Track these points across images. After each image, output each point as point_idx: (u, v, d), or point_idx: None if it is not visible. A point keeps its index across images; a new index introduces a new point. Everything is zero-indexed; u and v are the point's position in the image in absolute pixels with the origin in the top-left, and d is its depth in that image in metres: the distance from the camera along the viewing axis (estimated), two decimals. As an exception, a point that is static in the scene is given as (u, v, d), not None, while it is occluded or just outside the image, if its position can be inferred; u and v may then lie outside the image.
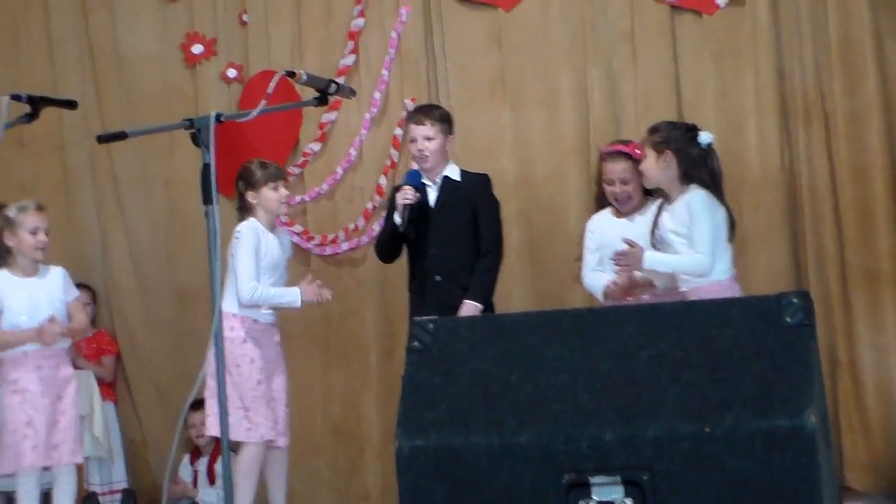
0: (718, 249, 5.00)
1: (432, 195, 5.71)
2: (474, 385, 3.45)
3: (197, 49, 6.89)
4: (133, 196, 7.07)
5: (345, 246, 6.63)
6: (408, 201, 5.55)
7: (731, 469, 3.19)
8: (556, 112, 6.34)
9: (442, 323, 3.61)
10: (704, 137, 5.09)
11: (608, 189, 5.51)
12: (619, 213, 5.53)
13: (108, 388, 6.84)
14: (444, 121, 5.73)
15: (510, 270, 6.22)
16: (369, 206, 6.58)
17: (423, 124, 5.67)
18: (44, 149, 7.10)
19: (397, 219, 5.61)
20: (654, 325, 3.44)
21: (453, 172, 5.74)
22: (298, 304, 5.71)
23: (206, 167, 3.95)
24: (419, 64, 6.51)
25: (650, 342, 3.39)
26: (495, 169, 6.12)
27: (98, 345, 6.94)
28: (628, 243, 5.10)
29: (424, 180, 5.70)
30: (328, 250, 6.68)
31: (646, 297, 5.27)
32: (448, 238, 5.67)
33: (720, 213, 5.04)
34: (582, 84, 6.30)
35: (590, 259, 5.57)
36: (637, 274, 5.27)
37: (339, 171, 6.66)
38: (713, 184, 5.09)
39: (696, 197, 5.00)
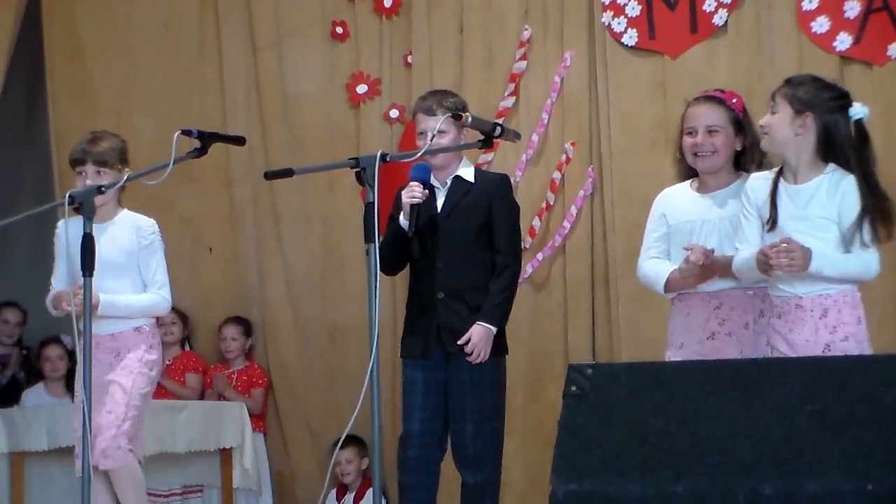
0: None
1: (441, 199, 5.04)
2: (631, 433, 3.41)
3: (361, 89, 7.00)
4: (292, 232, 7.20)
5: (496, 287, 6.63)
6: (416, 200, 4.84)
7: (894, 529, 3.11)
8: (717, 161, 6.27)
9: (600, 369, 3.58)
10: (858, 110, 4.20)
11: (687, 142, 4.53)
12: (702, 186, 4.59)
13: (258, 419, 6.94)
14: (459, 111, 4.88)
15: (663, 319, 6.14)
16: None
17: (433, 115, 4.97)
18: (211, 184, 7.29)
19: (403, 221, 4.95)
20: (818, 378, 3.37)
21: (467, 172, 5.07)
22: None
23: (369, 206, 4.01)
24: (581, 108, 6.50)
25: (813, 396, 3.32)
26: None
27: (249, 377, 7.06)
28: (784, 241, 4.08)
29: (433, 181, 5.03)
30: (481, 291, 6.68)
31: (714, 289, 4.44)
32: (457, 249, 4.98)
33: None
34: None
35: (652, 244, 4.63)
36: (719, 256, 4.38)
37: (495, 213, 6.68)
38: (864, 174, 4.17)
39: (852, 187, 4.14)
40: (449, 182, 5.06)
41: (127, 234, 5.08)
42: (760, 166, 4.47)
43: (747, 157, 4.53)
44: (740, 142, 4.54)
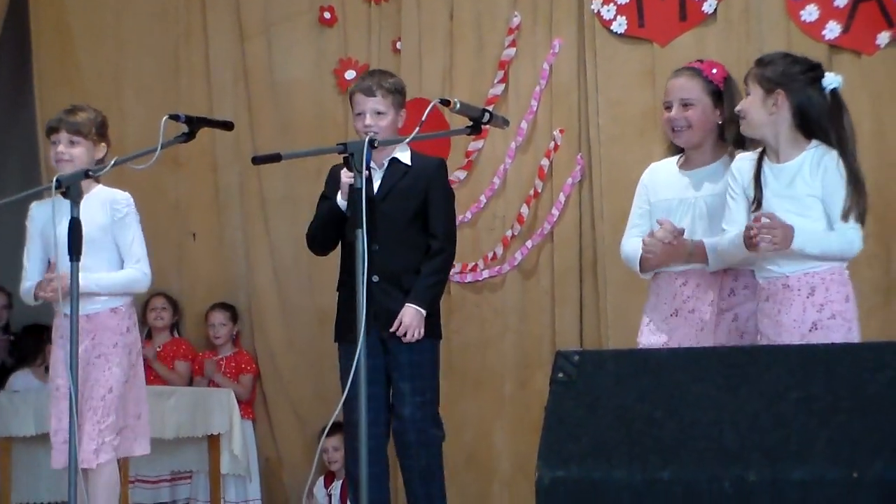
0: None
1: (377, 181, 5.03)
2: (618, 419, 3.42)
3: (350, 75, 6.98)
4: (279, 217, 7.19)
5: (485, 274, 6.64)
6: (352, 180, 4.63)
7: (880, 517, 3.12)
8: (706, 149, 6.27)
9: (587, 356, 3.59)
10: (831, 80, 4.14)
11: (665, 116, 4.49)
12: (687, 162, 4.52)
13: (246, 406, 6.94)
14: (398, 92, 5.07)
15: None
16: (509, 234, 6.58)
17: (373, 95, 5.00)
18: (197, 168, 7.27)
19: (341, 201, 4.97)
20: (804, 366, 3.37)
21: (404, 155, 5.08)
22: None
23: (357, 191, 4.00)
24: (570, 96, 6.50)
25: (800, 384, 3.32)
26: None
27: (237, 363, 7.05)
28: (767, 216, 4.06)
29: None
30: (468, 277, 6.69)
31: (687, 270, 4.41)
32: (392, 232, 4.96)
33: None
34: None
35: (636, 223, 4.59)
36: (688, 240, 4.34)
37: (483, 199, 6.68)
38: (839, 145, 4.11)
39: (833, 162, 4.08)
40: (386, 164, 5.07)
41: (100, 208, 5.02)
42: (744, 141, 4.40)
43: (728, 133, 4.44)
44: (720, 115, 4.48)
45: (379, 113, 5.00)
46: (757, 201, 4.19)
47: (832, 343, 3.98)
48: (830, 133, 4.13)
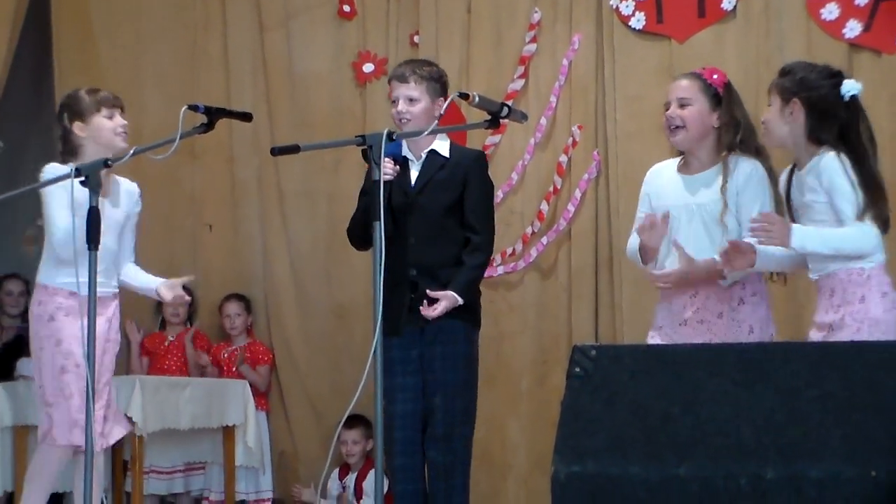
0: None
1: (414, 172, 4.98)
2: (634, 415, 3.41)
3: (368, 68, 6.99)
4: (297, 210, 7.20)
5: (501, 269, 6.63)
6: (387, 176, 4.61)
7: (897, 515, 3.11)
8: (724, 146, 6.24)
9: (604, 350, 3.58)
10: (849, 87, 4.14)
11: (665, 116, 4.54)
12: (687, 166, 4.58)
13: (261, 397, 6.94)
14: (434, 80, 4.96)
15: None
16: (528, 230, 6.58)
17: (406, 82, 4.94)
18: (213, 160, 7.29)
19: None
20: (822, 363, 3.37)
21: (442, 147, 5.00)
22: None
23: (374, 184, 4.00)
24: (588, 92, 6.49)
25: (817, 381, 3.31)
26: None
27: (252, 354, 7.06)
28: (764, 216, 4.12)
29: (407, 153, 4.97)
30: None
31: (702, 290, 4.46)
32: (429, 225, 4.91)
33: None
34: (753, 119, 6.18)
35: (638, 224, 4.63)
36: (698, 260, 4.35)
37: (500, 194, 6.67)
38: (855, 152, 4.09)
39: (832, 163, 4.08)
40: (424, 156, 5.00)
41: (127, 197, 5.04)
42: (743, 146, 4.45)
43: (722, 136, 4.48)
44: (717, 118, 4.50)
45: (411, 100, 4.94)
46: (789, 212, 4.25)
47: (850, 341, 3.97)
48: (847, 139, 4.11)
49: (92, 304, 4.11)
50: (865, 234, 4.07)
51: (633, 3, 6.41)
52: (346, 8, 7.07)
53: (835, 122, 4.12)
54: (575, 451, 3.40)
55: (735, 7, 6.22)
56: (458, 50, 6.80)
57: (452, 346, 4.97)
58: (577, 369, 3.54)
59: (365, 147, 4.08)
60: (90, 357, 4.10)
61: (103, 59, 7.38)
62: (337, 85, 7.10)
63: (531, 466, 6.51)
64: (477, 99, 4.16)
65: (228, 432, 6.47)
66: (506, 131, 6.57)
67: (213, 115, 4.36)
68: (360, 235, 5.01)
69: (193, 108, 4.28)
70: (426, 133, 4.36)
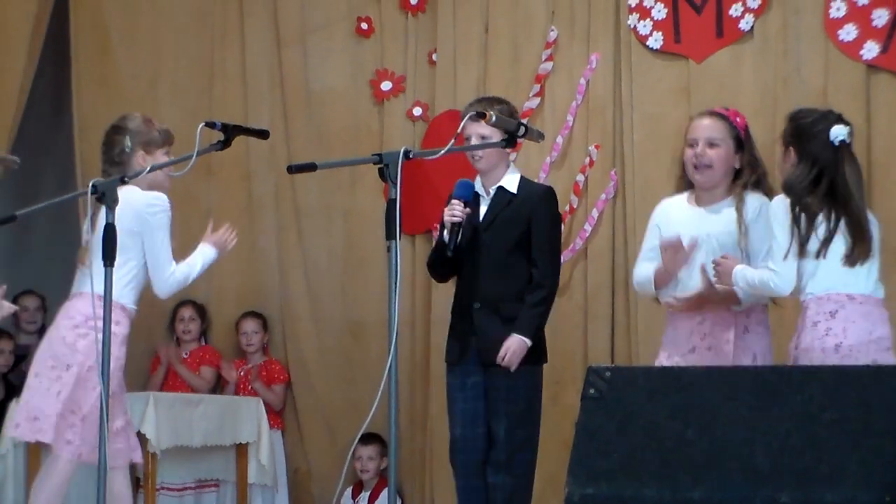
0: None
1: (483, 209, 5.12)
2: (649, 437, 3.40)
3: (385, 86, 6.99)
4: (313, 227, 7.19)
5: (517, 289, 6.60)
6: (456, 219, 4.89)
7: (912, 542, 3.09)
8: (741, 167, 6.21)
9: (619, 372, 3.57)
10: (837, 132, 4.29)
11: (688, 154, 4.65)
12: (698, 199, 4.69)
13: (276, 416, 6.93)
14: (506, 116, 4.91)
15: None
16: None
17: (478, 121, 4.91)
18: (230, 177, 7.28)
19: (445, 237, 5.00)
20: (838, 387, 3.35)
21: (511, 182, 5.13)
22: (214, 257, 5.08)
23: (391, 202, 3.99)
24: (606, 111, 6.47)
25: (833, 405, 3.30)
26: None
27: (269, 372, 7.05)
28: (722, 258, 4.41)
29: (479, 189, 5.12)
30: (500, 293, 6.67)
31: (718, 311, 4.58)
32: (494, 261, 5.05)
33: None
34: (769, 141, 6.15)
35: (645, 255, 4.79)
36: (719, 286, 4.50)
37: (516, 213, 6.67)
38: (828, 193, 4.24)
39: (774, 203, 4.33)
40: (493, 192, 5.12)
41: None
42: (757, 187, 4.60)
43: (743, 177, 4.63)
44: (739, 160, 4.65)
45: (483, 137, 5.01)
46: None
47: (867, 365, 3.95)
48: (832, 184, 4.26)
49: (107, 327, 4.10)
50: (770, 277, 4.29)
51: (651, 23, 6.40)
52: (364, 26, 7.07)
53: (825, 167, 4.27)
54: (589, 473, 3.39)
55: (752, 27, 6.20)
56: (476, 67, 6.80)
57: (515, 378, 5.08)
58: (592, 390, 3.53)
59: (381, 165, 4.08)
60: (104, 378, 4.09)
61: (121, 73, 7.39)
62: (354, 102, 7.10)
63: (543, 486, 6.45)
64: (494, 118, 4.16)
65: (242, 450, 6.46)
66: (521, 150, 6.56)
67: (230, 132, 4.36)
68: (438, 270, 5.24)
69: (210, 125, 4.29)
70: (442, 153, 4.32)
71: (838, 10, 6.02)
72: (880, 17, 5.94)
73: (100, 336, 4.15)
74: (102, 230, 4.18)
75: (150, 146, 4.88)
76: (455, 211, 4.91)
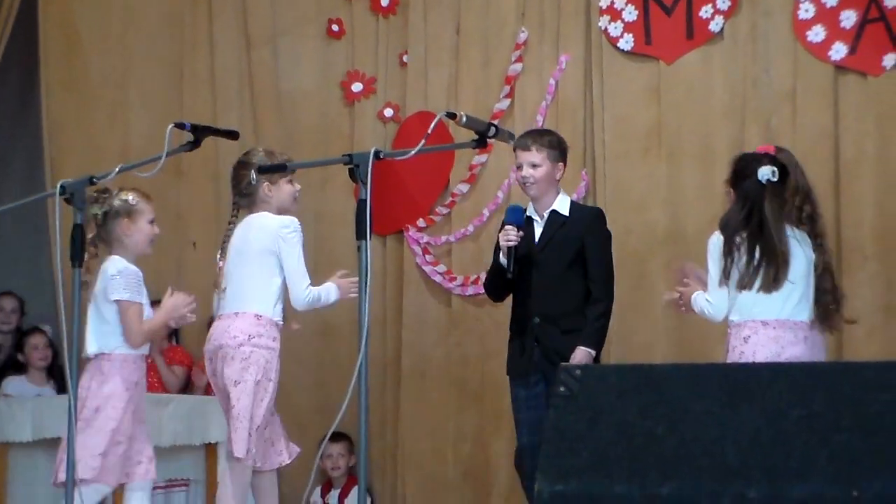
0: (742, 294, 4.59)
1: (538, 231, 5.42)
2: (619, 434, 3.41)
3: (356, 87, 7.00)
4: (283, 228, 7.17)
5: (486, 288, 6.63)
6: (511, 243, 5.23)
7: (879, 536, 3.11)
8: (710, 168, 6.21)
9: (590, 370, 3.58)
10: (763, 173, 4.59)
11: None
12: None
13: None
14: (554, 147, 5.40)
15: (654, 323, 6.17)
16: (513, 249, 6.58)
17: (528, 150, 5.36)
18: (199, 178, 7.27)
19: (503, 260, 5.31)
20: (807, 384, 3.37)
21: (563, 206, 5.43)
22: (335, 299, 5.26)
23: (362, 203, 3.99)
24: (576, 112, 6.51)
25: (802, 402, 3.31)
26: (646, 221, 6.11)
27: (173, 354, 7.07)
28: (684, 283, 4.89)
29: (531, 213, 5.43)
30: (470, 290, 6.70)
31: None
32: (551, 279, 5.34)
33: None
34: (739, 141, 6.22)
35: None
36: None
37: (486, 213, 6.68)
38: (759, 227, 4.57)
39: (711, 239, 4.70)
40: (546, 215, 5.38)
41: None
42: (800, 220, 4.71)
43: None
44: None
45: (534, 165, 5.33)
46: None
47: (835, 361, 3.99)
48: (762, 220, 4.56)
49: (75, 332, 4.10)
50: (704, 303, 4.71)
51: (622, 25, 6.43)
52: (335, 28, 7.08)
53: (747, 204, 4.60)
54: (559, 470, 3.39)
55: (722, 29, 6.24)
56: (447, 69, 6.82)
57: None
58: (563, 388, 3.53)
59: (352, 166, 4.08)
60: (73, 386, 4.09)
61: (91, 76, 7.38)
62: (325, 103, 7.10)
63: (514, 483, 6.49)
64: (465, 119, 4.17)
65: (211, 450, 6.44)
66: (492, 150, 6.57)
67: (200, 133, 4.38)
68: (494, 290, 5.55)
69: (180, 125, 4.30)
70: (412, 153, 4.32)
71: (807, 11, 6.06)
72: (848, 18, 6.00)
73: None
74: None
75: (273, 176, 5.13)
76: (510, 235, 5.22)
